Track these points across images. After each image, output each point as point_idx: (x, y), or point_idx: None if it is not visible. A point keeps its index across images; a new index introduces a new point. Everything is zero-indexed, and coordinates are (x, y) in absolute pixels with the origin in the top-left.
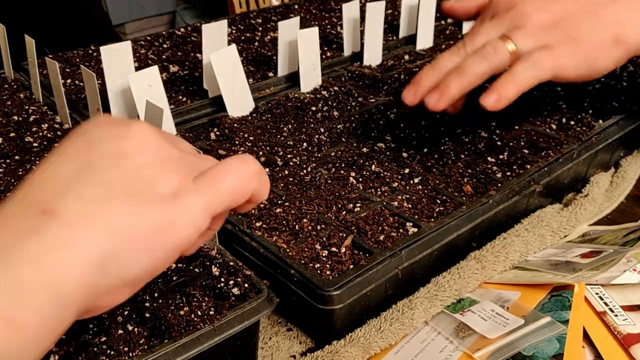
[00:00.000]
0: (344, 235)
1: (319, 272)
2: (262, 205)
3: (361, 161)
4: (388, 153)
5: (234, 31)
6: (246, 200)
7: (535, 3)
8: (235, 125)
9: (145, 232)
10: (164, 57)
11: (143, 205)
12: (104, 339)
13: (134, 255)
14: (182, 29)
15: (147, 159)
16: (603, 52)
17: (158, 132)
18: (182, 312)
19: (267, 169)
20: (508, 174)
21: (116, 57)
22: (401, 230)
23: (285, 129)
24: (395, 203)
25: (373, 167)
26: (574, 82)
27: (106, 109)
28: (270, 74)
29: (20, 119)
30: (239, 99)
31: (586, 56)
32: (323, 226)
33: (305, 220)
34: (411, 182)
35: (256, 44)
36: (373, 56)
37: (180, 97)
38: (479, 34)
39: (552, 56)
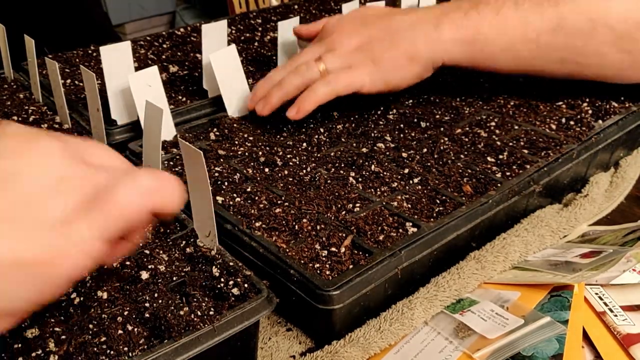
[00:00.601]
0: (344, 235)
1: (318, 272)
2: (261, 205)
3: (361, 161)
4: (388, 153)
5: (233, 31)
6: (157, 212)
7: (348, 31)
8: (235, 125)
9: (27, 261)
10: (163, 57)
11: (28, 231)
12: (103, 339)
13: (12, 286)
14: (181, 29)
15: (40, 180)
16: (399, 69)
17: (64, 147)
18: (181, 312)
19: (267, 169)
20: (508, 174)
21: (116, 57)
22: (401, 230)
23: (284, 129)
24: (395, 203)
25: (373, 167)
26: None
27: (106, 109)
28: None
29: (19, 119)
30: (238, 99)
31: (383, 74)
32: (323, 226)
33: (304, 220)
34: (411, 182)
35: (256, 44)
36: None
37: (180, 97)
38: (302, 55)
39: (348, 75)
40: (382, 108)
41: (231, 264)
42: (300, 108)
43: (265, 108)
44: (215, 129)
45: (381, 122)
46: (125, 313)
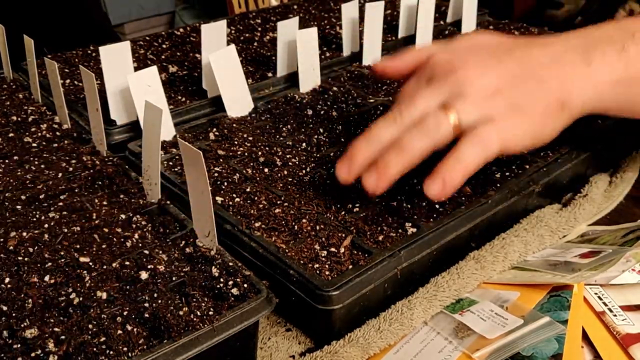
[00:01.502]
0: (343, 235)
1: (318, 272)
2: (261, 206)
3: None
4: None
5: (233, 31)
6: None
7: (478, 67)
8: (235, 125)
9: None
10: (163, 57)
11: None
12: (103, 339)
13: None
14: (181, 29)
15: None
16: (549, 119)
17: None
18: (181, 313)
19: (267, 169)
20: (507, 174)
21: (115, 57)
22: (400, 231)
23: (284, 129)
24: (394, 203)
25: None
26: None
27: (105, 109)
28: (270, 74)
29: (19, 119)
30: (238, 99)
31: (532, 126)
32: (322, 226)
33: (304, 220)
34: (410, 182)
35: (255, 44)
36: (372, 56)
37: (180, 97)
38: (417, 101)
39: (497, 130)
40: (381, 108)
41: (231, 264)
42: (447, 182)
43: (380, 182)
44: (214, 129)
45: None
46: (125, 313)
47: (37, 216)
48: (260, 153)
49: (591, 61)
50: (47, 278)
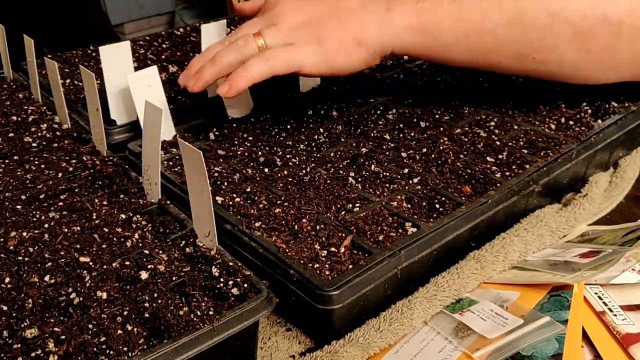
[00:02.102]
0: (343, 235)
1: (318, 272)
2: (261, 206)
3: (360, 161)
4: (387, 153)
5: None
6: None
7: (293, 6)
8: (234, 125)
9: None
10: (163, 57)
11: None
12: (103, 339)
13: None
14: (181, 29)
15: None
16: (344, 52)
17: None
18: (181, 312)
19: (267, 169)
20: (507, 174)
21: (115, 57)
22: (400, 231)
23: (284, 129)
24: (395, 203)
25: (372, 167)
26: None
27: (105, 109)
28: None
29: (19, 119)
30: (238, 99)
31: (327, 55)
32: (322, 226)
33: (304, 220)
34: (410, 182)
35: None
36: None
37: (180, 97)
38: (241, 29)
39: (288, 52)
40: (381, 108)
41: (231, 264)
42: (232, 85)
43: (196, 85)
44: (214, 129)
45: (381, 122)
46: (125, 313)
47: (37, 216)
48: (260, 153)
49: (391, 8)
50: (47, 278)
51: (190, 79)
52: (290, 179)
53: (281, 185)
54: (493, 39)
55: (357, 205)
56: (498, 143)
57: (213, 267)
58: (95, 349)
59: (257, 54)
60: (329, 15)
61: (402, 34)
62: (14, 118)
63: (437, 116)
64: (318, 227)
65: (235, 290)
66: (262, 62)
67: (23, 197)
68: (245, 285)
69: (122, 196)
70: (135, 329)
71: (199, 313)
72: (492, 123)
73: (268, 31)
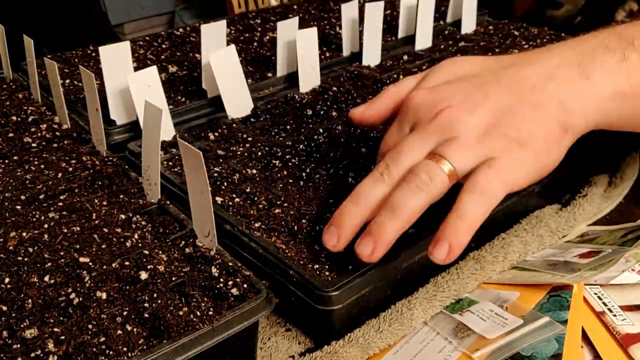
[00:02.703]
0: None
1: (317, 272)
2: (261, 206)
3: (360, 161)
4: None
5: (232, 31)
6: None
7: (464, 104)
8: (234, 125)
9: None
10: (162, 57)
11: None
12: (103, 339)
13: None
14: (181, 29)
15: None
16: (553, 146)
17: None
18: (181, 313)
19: (267, 170)
20: None
21: (115, 57)
22: None
23: (284, 129)
24: None
25: (372, 167)
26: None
27: (105, 109)
28: (269, 75)
29: (18, 119)
30: (237, 100)
31: (537, 159)
32: (322, 227)
33: (304, 220)
34: None
35: (255, 44)
36: (372, 56)
37: (179, 98)
38: (403, 152)
39: (499, 174)
40: None
41: (230, 264)
42: (453, 246)
43: (377, 250)
44: (214, 129)
45: None
46: (125, 313)
47: (37, 216)
48: (259, 153)
49: (590, 74)
50: (47, 278)
51: (364, 242)
52: (290, 180)
53: (281, 185)
54: None
55: None
56: None
57: (213, 267)
58: (94, 349)
59: (467, 191)
60: (516, 104)
61: (609, 105)
62: (14, 118)
63: None
64: (318, 228)
65: (235, 291)
66: (479, 199)
67: (23, 197)
68: (245, 285)
69: (121, 196)
70: (135, 329)
71: (198, 313)
72: None
73: (451, 151)
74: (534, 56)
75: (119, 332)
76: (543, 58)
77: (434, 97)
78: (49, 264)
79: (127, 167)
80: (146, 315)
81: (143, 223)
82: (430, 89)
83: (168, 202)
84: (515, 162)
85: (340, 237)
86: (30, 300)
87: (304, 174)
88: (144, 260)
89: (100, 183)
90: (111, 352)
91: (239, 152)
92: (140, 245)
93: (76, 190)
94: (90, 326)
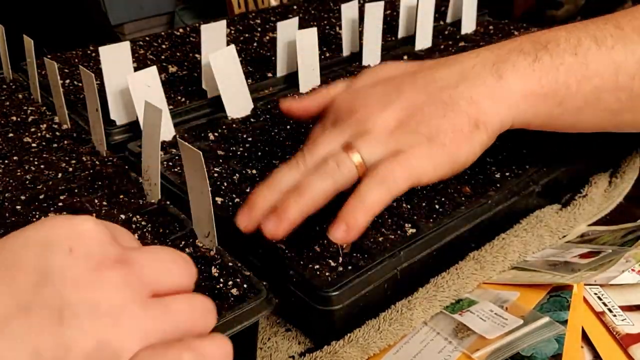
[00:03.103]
0: None
1: (317, 272)
2: None
3: None
4: None
5: (232, 31)
6: None
7: (378, 103)
8: (234, 125)
9: None
10: (162, 57)
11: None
12: None
13: None
14: (181, 30)
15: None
16: (464, 140)
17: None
18: None
19: (267, 170)
20: (507, 174)
21: (115, 57)
22: (399, 231)
23: (284, 129)
24: (394, 203)
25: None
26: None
27: (105, 109)
28: (269, 75)
29: (18, 119)
30: (237, 100)
31: (446, 153)
32: (322, 227)
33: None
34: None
35: (255, 44)
36: (372, 57)
37: (179, 98)
38: (320, 143)
39: (404, 166)
40: None
41: (230, 264)
42: (349, 224)
43: (280, 226)
44: (214, 130)
45: None
46: None
47: (37, 216)
48: (259, 153)
49: (502, 74)
50: None
51: (268, 219)
52: None
53: None
54: (629, 96)
55: None
56: (497, 143)
57: (213, 267)
58: None
59: (367, 177)
60: (427, 102)
61: (522, 104)
62: (14, 118)
63: None
64: (318, 228)
65: (234, 291)
66: (379, 186)
67: (22, 197)
68: (245, 285)
69: (121, 196)
70: None
71: None
72: None
73: (362, 142)
74: (454, 59)
75: None
76: (461, 61)
77: (353, 97)
78: None
79: (127, 167)
80: None
81: (143, 223)
82: (352, 91)
83: (168, 203)
84: (423, 155)
85: (251, 218)
86: None
87: None
88: None
89: (100, 183)
90: None
91: (239, 152)
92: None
93: (76, 191)
94: None
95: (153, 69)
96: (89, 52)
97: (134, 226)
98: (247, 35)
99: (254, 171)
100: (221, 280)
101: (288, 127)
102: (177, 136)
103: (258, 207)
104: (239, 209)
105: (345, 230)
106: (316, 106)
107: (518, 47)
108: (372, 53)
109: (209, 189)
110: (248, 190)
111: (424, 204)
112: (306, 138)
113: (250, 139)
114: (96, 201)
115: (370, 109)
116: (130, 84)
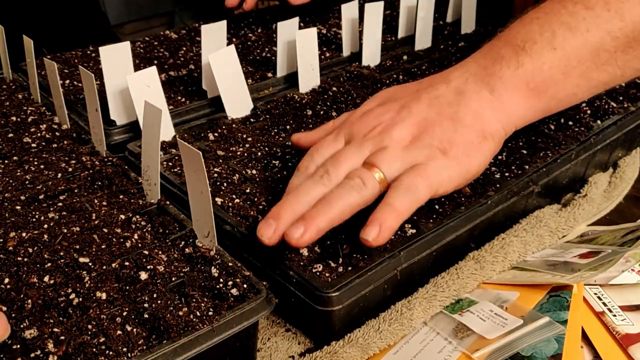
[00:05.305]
0: (343, 236)
1: (317, 273)
2: (261, 207)
3: None
4: None
5: (232, 32)
6: None
7: (391, 119)
8: (234, 126)
9: None
10: (162, 57)
11: None
12: (102, 339)
13: None
14: (181, 30)
15: None
16: (474, 153)
17: None
18: (181, 313)
19: (266, 170)
20: (506, 174)
21: (115, 57)
22: (399, 232)
23: (284, 129)
24: None
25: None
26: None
27: (105, 109)
28: (269, 75)
29: (18, 119)
30: (237, 100)
31: (459, 166)
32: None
33: None
34: None
35: (255, 44)
36: (372, 56)
37: (179, 98)
38: (342, 161)
39: (421, 177)
40: None
41: (230, 264)
42: (382, 227)
43: (306, 233)
44: (214, 130)
45: None
46: (124, 313)
47: (37, 216)
48: (259, 154)
49: (493, 88)
50: (46, 278)
51: (296, 226)
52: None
53: (281, 186)
54: (615, 66)
55: None
56: None
57: (212, 267)
58: (94, 349)
59: (393, 188)
60: (436, 118)
61: (519, 109)
62: (13, 118)
63: None
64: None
65: (234, 291)
66: (405, 194)
67: (22, 197)
68: (245, 285)
69: (121, 196)
70: (134, 330)
71: (198, 313)
72: None
73: (382, 160)
74: (447, 75)
75: (119, 332)
76: (453, 77)
77: (367, 117)
78: (49, 264)
79: (126, 167)
80: (146, 315)
81: (143, 223)
82: (365, 112)
83: (168, 203)
84: (438, 167)
85: (277, 230)
86: (30, 301)
87: None
88: (144, 260)
89: (100, 183)
90: (111, 353)
91: (238, 153)
92: (140, 245)
93: (76, 191)
94: (90, 326)
95: (153, 69)
96: (88, 52)
97: (133, 226)
98: (247, 35)
99: (254, 171)
100: (221, 280)
101: (288, 127)
102: (177, 136)
103: (285, 218)
104: (260, 222)
105: (379, 231)
106: (324, 133)
107: (498, 55)
108: (371, 53)
109: (209, 189)
110: (248, 190)
111: (423, 204)
112: (314, 145)
113: (250, 139)
114: (96, 201)
115: (384, 126)
116: (130, 84)
